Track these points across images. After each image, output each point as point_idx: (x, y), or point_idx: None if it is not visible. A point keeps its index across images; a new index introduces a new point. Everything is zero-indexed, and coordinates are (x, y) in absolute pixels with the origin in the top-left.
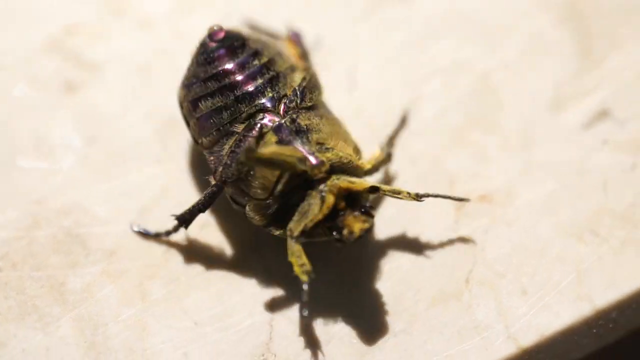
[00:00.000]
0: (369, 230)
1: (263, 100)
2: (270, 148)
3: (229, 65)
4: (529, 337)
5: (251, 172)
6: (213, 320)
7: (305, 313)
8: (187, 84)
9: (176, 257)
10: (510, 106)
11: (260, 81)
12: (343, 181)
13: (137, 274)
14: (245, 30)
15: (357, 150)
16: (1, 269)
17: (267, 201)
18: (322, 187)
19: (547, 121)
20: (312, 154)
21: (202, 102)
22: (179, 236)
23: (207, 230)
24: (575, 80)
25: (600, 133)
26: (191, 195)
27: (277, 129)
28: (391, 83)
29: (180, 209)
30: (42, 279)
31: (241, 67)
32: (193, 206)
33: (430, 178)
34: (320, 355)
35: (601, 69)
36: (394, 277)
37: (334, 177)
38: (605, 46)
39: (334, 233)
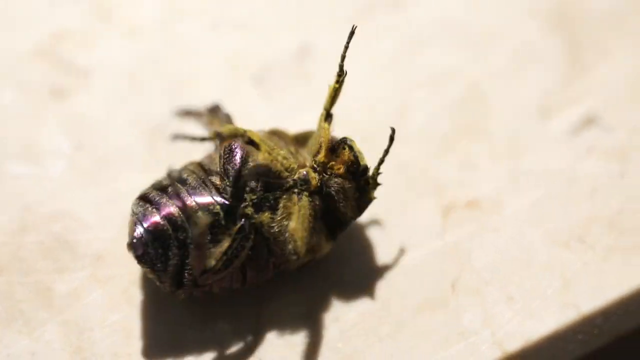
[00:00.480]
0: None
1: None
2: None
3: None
4: (515, 343)
5: None
6: (196, 326)
7: None
8: (177, 282)
9: None
10: (498, 114)
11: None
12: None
13: (123, 279)
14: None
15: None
16: None
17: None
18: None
19: (535, 129)
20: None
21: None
22: None
23: None
24: (563, 88)
25: (587, 140)
26: None
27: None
28: (380, 91)
29: None
30: (30, 284)
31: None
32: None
33: (419, 185)
34: (303, 359)
35: (589, 77)
36: (380, 282)
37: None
38: (593, 54)
39: None
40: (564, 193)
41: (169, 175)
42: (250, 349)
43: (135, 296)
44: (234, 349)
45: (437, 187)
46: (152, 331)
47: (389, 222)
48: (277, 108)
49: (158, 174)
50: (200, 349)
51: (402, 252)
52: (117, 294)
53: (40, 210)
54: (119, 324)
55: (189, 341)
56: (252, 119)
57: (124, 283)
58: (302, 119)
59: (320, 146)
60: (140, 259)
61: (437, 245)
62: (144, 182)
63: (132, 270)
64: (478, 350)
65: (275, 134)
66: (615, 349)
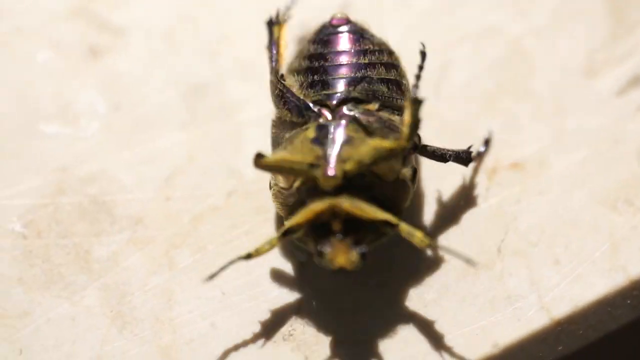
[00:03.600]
0: (352, 269)
1: (330, 92)
2: (278, 155)
3: (328, 51)
4: (562, 308)
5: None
6: (241, 290)
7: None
8: (294, 57)
9: (203, 226)
10: (541, 73)
11: (341, 75)
12: (350, 204)
13: (163, 242)
14: (369, 29)
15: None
16: (26, 237)
17: (287, 191)
18: (327, 198)
19: (580, 88)
20: (329, 164)
21: (290, 77)
22: (206, 204)
23: (234, 198)
24: (608, 46)
25: (634, 100)
26: (218, 162)
27: (319, 127)
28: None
29: (207, 176)
30: (68, 247)
31: (336, 56)
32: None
33: (462, 145)
34: (349, 325)
35: (635, 35)
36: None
37: (345, 196)
38: (638, 11)
39: (317, 249)
40: (610, 153)
41: None
42: (294, 313)
43: (175, 259)
44: (277, 313)
45: (480, 147)
46: (193, 295)
47: (431, 185)
48: None
49: (196, 133)
50: (243, 313)
51: (445, 215)
52: (157, 257)
53: (76, 172)
54: (159, 287)
55: (232, 306)
56: None
57: (164, 246)
58: None
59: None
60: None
61: (482, 208)
62: (182, 142)
63: (172, 232)
64: (525, 315)
65: None
66: None
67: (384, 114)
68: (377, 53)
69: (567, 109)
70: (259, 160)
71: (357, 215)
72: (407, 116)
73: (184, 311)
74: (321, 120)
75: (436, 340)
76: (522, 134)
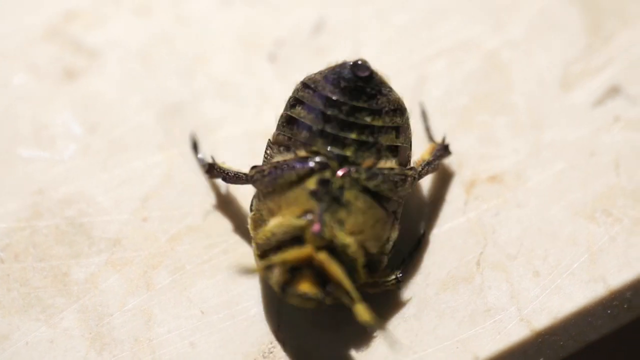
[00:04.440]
0: (312, 304)
1: (338, 152)
2: (296, 190)
3: (344, 101)
4: (542, 320)
5: (275, 193)
6: (220, 309)
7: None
8: (306, 84)
9: (181, 246)
10: (518, 86)
11: (353, 136)
12: (327, 259)
13: (141, 263)
14: (387, 83)
15: (380, 253)
16: (3, 261)
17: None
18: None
19: (557, 100)
20: (321, 223)
21: (301, 109)
22: (183, 224)
23: (212, 217)
24: (584, 57)
25: (611, 111)
26: (194, 182)
27: (321, 182)
28: (396, 64)
29: (184, 196)
30: (46, 270)
31: (351, 112)
32: (223, 170)
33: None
34: (329, 342)
35: (610, 46)
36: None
37: (325, 253)
38: (614, 22)
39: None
40: (587, 165)
41: None
42: (273, 331)
43: (153, 279)
44: (256, 331)
45: (457, 161)
46: (172, 314)
47: (409, 200)
48: (292, 84)
49: (172, 153)
50: (223, 332)
51: (424, 229)
52: (135, 278)
53: (53, 195)
54: (138, 308)
55: (211, 324)
56: (266, 96)
57: (142, 266)
58: None
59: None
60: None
61: (460, 222)
62: (159, 162)
63: (149, 253)
64: (505, 328)
65: None
66: None
67: (383, 166)
68: (391, 114)
69: (544, 121)
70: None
71: (329, 274)
72: (427, 154)
73: (163, 331)
74: (326, 174)
75: (416, 355)
76: (500, 147)
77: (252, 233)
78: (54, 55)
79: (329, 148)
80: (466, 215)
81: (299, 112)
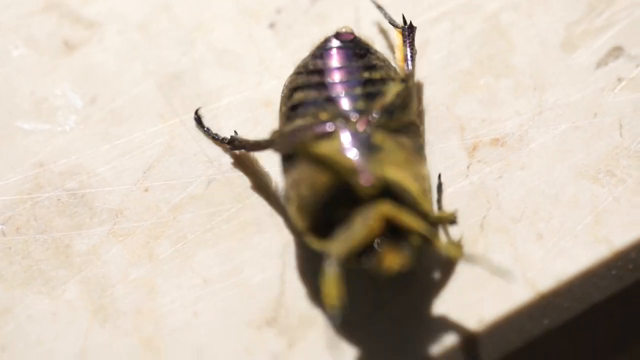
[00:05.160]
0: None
1: (350, 108)
2: (326, 148)
3: (338, 66)
4: (547, 282)
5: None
6: (223, 278)
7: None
8: (296, 72)
9: (183, 215)
10: (520, 48)
11: (358, 92)
12: (392, 209)
13: (143, 233)
14: (372, 45)
15: (423, 192)
16: (5, 234)
17: (311, 203)
18: (368, 211)
19: (559, 61)
20: (366, 171)
21: (299, 92)
22: (185, 193)
23: (214, 186)
24: (586, 18)
25: (613, 71)
26: (196, 151)
27: (347, 137)
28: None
29: (186, 165)
30: (47, 242)
31: (349, 73)
32: (243, 141)
33: (441, 124)
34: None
35: (612, 6)
36: None
37: (382, 201)
38: None
39: (367, 261)
40: (590, 126)
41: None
42: (277, 298)
43: (156, 250)
44: (260, 299)
45: (460, 125)
46: (174, 285)
47: None
48: (292, 51)
49: (173, 122)
50: (226, 300)
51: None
52: (138, 248)
53: (54, 167)
54: (140, 279)
55: (214, 294)
56: (267, 63)
57: (144, 237)
58: None
59: None
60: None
61: (463, 185)
62: (160, 132)
63: (151, 223)
64: (509, 290)
65: None
66: None
67: (388, 98)
68: (385, 68)
69: (547, 83)
70: (304, 146)
71: (398, 221)
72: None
73: (165, 302)
74: (348, 130)
75: (422, 318)
76: (502, 110)
77: (299, 220)
78: (53, 27)
79: (340, 108)
80: (469, 178)
81: (299, 97)
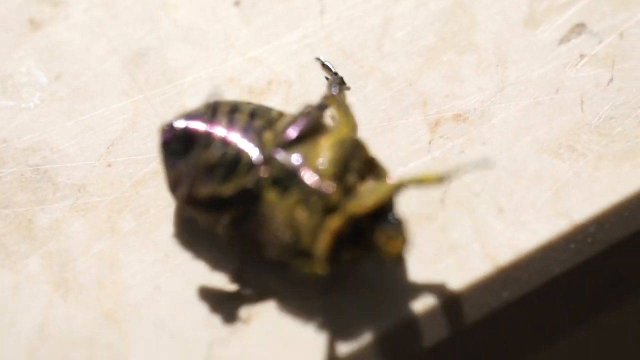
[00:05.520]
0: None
1: (259, 152)
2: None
3: (217, 136)
4: (506, 255)
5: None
6: (184, 251)
7: None
8: (174, 187)
9: (146, 190)
10: (483, 24)
11: (256, 126)
12: (355, 205)
13: (106, 208)
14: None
15: (354, 127)
16: None
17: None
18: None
19: (522, 38)
20: (320, 183)
21: (198, 192)
22: (148, 168)
23: None
24: None
25: (576, 47)
26: (159, 127)
27: (274, 181)
28: (361, 5)
29: (149, 141)
30: (10, 217)
31: (209, 141)
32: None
33: (405, 100)
34: (293, 282)
35: None
36: None
37: (342, 203)
38: None
39: (369, 253)
40: (552, 102)
41: (217, 102)
42: (237, 271)
43: (118, 225)
44: (221, 272)
45: (423, 101)
46: (136, 258)
47: (375, 138)
48: (257, 28)
49: (138, 99)
50: (187, 274)
51: (389, 167)
52: (100, 223)
53: (17, 143)
54: (103, 253)
55: (176, 267)
56: (232, 41)
57: (107, 212)
58: (284, 40)
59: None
60: (164, 146)
61: (425, 160)
62: (124, 108)
63: (114, 198)
64: (469, 263)
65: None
66: (608, 258)
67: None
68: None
69: (510, 59)
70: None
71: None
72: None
73: (127, 275)
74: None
75: (382, 291)
76: (465, 86)
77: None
78: (19, 4)
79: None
80: (431, 153)
81: (200, 198)
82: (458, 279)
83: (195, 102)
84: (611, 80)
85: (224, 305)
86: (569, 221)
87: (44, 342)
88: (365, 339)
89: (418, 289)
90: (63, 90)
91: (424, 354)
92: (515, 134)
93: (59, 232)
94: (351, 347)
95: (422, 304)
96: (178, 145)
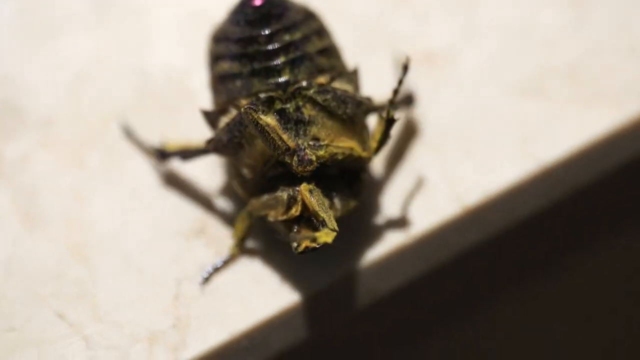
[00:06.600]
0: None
1: (276, 80)
2: (270, 120)
3: (258, 34)
4: (474, 197)
5: (242, 149)
6: (152, 188)
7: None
8: (217, 39)
9: (113, 125)
10: None
11: (282, 59)
12: (312, 200)
13: (73, 143)
14: None
15: (363, 141)
16: None
17: (252, 180)
18: (296, 191)
19: None
20: (302, 150)
21: (223, 62)
22: (116, 103)
23: (144, 98)
24: None
25: None
26: (127, 63)
27: (278, 113)
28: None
29: (117, 77)
30: None
31: (269, 39)
32: (180, 151)
33: (372, 41)
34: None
35: None
36: None
37: (310, 187)
38: None
39: (283, 234)
40: (520, 44)
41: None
42: (204, 212)
43: (85, 160)
44: (189, 211)
45: (391, 42)
46: (103, 194)
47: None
48: None
49: (106, 35)
50: (155, 211)
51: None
52: (68, 158)
53: None
54: (70, 188)
55: (143, 204)
56: None
57: (74, 146)
58: None
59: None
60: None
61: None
62: (91, 44)
63: (82, 133)
64: (436, 204)
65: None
66: (575, 201)
67: (337, 86)
68: (305, 22)
69: (480, 1)
70: (250, 115)
71: (313, 211)
72: (377, 133)
73: (94, 211)
74: (277, 106)
75: (349, 230)
76: (434, 27)
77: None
78: None
79: (267, 82)
80: (399, 95)
81: (222, 67)
82: (426, 219)
83: (163, 38)
84: (579, 22)
85: (192, 243)
86: (536, 163)
87: (10, 278)
88: (334, 276)
89: (386, 229)
90: (28, 23)
91: (392, 293)
92: (483, 77)
93: (26, 167)
94: (320, 284)
95: (390, 243)
96: (255, 17)
